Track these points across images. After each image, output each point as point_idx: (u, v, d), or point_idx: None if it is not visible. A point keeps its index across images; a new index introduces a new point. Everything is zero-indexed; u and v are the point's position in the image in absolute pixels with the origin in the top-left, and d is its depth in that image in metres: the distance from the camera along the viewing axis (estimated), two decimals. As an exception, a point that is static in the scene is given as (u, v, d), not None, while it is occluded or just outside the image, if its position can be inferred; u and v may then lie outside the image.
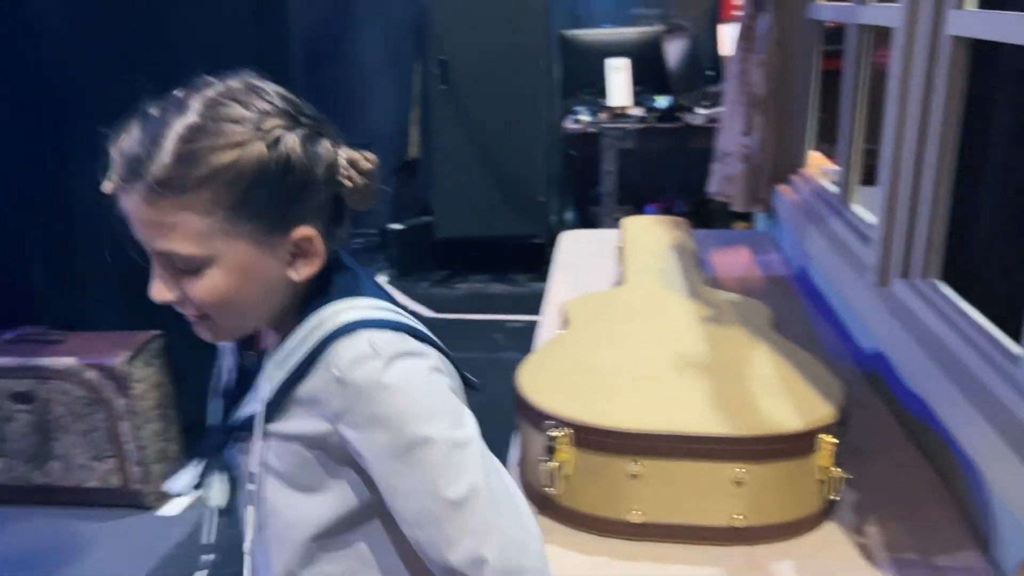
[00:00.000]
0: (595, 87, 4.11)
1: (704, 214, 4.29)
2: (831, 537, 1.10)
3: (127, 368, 2.32)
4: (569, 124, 3.96)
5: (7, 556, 2.26)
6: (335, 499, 0.82)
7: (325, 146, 0.78)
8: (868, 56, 1.86)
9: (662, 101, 3.97)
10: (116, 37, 2.29)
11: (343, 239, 0.84)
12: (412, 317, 0.83)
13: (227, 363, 0.90)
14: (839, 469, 1.07)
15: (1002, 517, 1.05)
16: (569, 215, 4.69)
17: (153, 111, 0.75)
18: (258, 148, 0.73)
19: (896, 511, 1.15)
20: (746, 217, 4.25)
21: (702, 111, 3.80)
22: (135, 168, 0.72)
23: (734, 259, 2.28)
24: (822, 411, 1.09)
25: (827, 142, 2.96)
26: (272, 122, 0.74)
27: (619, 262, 1.93)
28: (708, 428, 1.05)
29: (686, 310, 1.44)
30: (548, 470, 1.09)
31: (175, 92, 0.76)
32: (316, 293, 0.81)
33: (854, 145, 1.91)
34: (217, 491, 0.88)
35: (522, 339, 3.78)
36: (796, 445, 1.05)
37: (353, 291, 0.81)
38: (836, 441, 1.07)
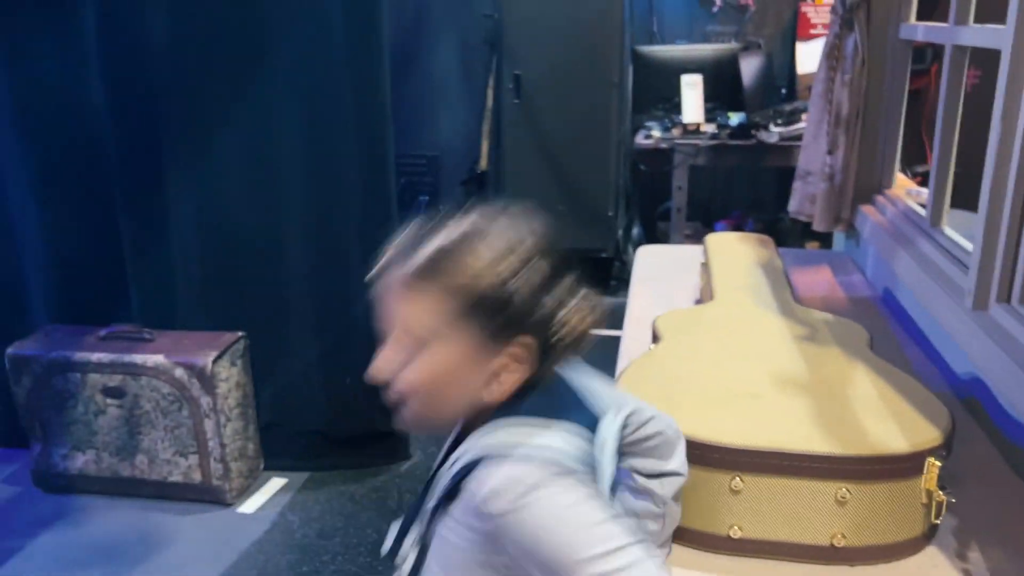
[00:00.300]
0: (668, 103, 4.12)
1: (776, 232, 4.25)
2: (932, 561, 1.09)
3: (213, 367, 2.40)
4: (640, 139, 3.96)
5: (95, 545, 2.35)
6: None
7: (554, 293, 0.87)
8: (964, 77, 1.83)
9: (735, 118, 3.95)
10: (214, 50, 2.38)
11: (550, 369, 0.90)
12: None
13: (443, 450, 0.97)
14: (943, 492, 1.06)
15: (1117, 550, 1.03)
16: (636, 230, 4.69)
17: (428, 221, 0.89)
18: (486, 282, 0.84)
19: (998, 538, 1.13)
20: (818, 237, 4.19)
21: (775, 129, 3.77)
22: (402, 256, 0.87)
23: (815, 279, 2.26)
24: (928, 433, 1.08)
25: (906, 163, 2.91)
26: (504, 265, 0.85)
27: (703, 278, 1.93)
28: (812, 446, 1.05)
29: (779, 328, 1.44)
30: (648, 482, 1.10)
31: (448, 211, 0.90)
32: (505, 408, 0.87)
33: (947, 166, 1.88)
34: (404, 560, 0.93)
35: (589, 353, 3.78)
36: (902, 466, 1.04)
37: (540, 414, 0.86)
38: (941, 464, 1.06)
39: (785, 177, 4.58)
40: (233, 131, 2.44)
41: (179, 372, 2.40)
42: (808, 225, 4.10)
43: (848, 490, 1.04)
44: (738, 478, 1.06)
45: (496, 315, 0.84)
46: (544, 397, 0.88)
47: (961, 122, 1.96)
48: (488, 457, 0.82)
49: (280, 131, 2.44)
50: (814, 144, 2.39)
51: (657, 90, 4.11)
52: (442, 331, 0.85)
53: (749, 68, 3.89)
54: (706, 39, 4.48)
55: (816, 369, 1.26)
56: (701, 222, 4.53)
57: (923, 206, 2.10)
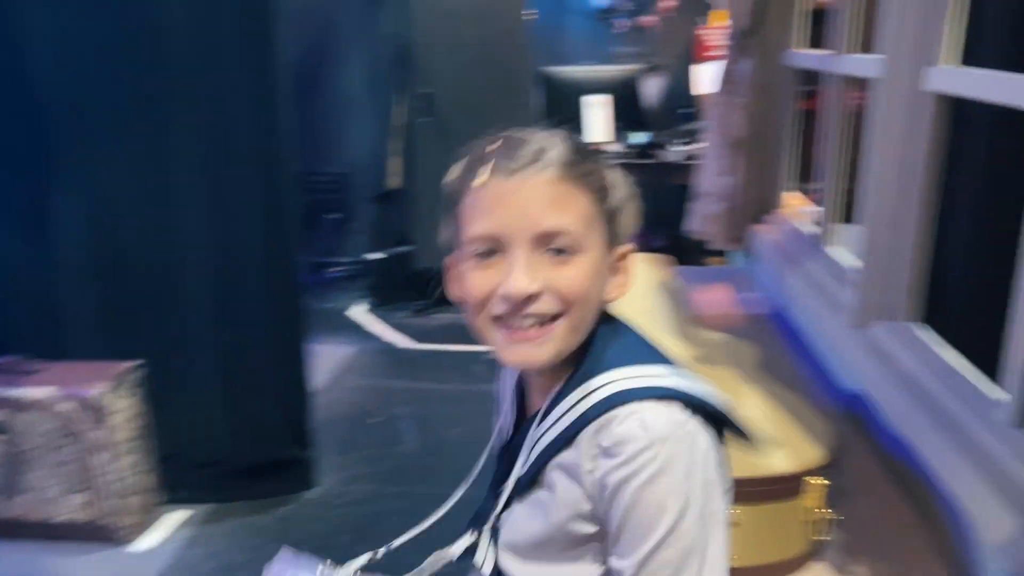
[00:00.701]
0: (574, 123, 4.18)
1: (679, 249, 4.36)
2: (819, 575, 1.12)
3: (104, 399, 2.29)
4: (548, 158, 4.01)
5: (-26, 592, 2.21)
6: (578, 570, 0.80)
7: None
8: (844, 103, 1.92)
9: (639, 137, 4.04)
10: (104, 66, 2.29)
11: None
12: (683, 373, 0.81)
13: (505, 422, 0.92)
14: (827, 510, 1.10)
15: (984, 555, 1.08)
16: (547, 247, 4.73)
17: (521, 132, 0.85)
18: (616, 188, 0.82)
19: (880, 550, 1.17)
20: (720, 252, 4.32)
21: (678, 148, 3.88)
22: (539, 156, 0.79)
23: (714, 296, 2.32)
24: (811, 453, 1.11)
25: (802, 180, 3.04)
26: (620, 174, 0.84)
27: (604, 299, 1.95)
28: (702, 470, 1.07)
29: (675, 350, 1.47)
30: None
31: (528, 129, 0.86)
32: (587, 349, 0.81)
33: (833, 188, 1.97)
34: (483, 556, 0.87)
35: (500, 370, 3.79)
36: (786, 487, 1.08)
37: (625, 356, 0.81)
38: (825, 483, 1.09)
39: (688, 195, 4.72)
40: (125, 150, 2.35)
41: (66, 405, 2.27)
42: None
43: (739, 512, 1.06)
44: (631, 504, 1.07)
45: (615, 221, 0.82)
46: (621, 338, 0.84)
47: (854, 140, 2.07)
48: (610, 403, 0.76)
49: (175, 151, 2.36)
50: (711, 165, 2.47)
51: (563, 110, 4.16)
52: (591, 233, 0.79)
53: (651, 89, 3.99)
54: (611, 60, 4.58)
55: (708, 391, 1.29)
56: (610, 239, 4.61)
57: (815, 224, 2.19)
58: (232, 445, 2.59)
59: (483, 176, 0.80)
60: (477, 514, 0.90)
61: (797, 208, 2.39)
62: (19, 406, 2.30)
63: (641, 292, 1.82)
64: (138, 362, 2.45)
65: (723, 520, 0.77)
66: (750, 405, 1.25)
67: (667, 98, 4.10)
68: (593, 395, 0.77)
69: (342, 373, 3.70)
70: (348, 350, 3.94)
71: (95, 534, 2.38)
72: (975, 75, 1.26)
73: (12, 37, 2.27)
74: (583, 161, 0.80)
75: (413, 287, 4.58)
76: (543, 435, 0.80)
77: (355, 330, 4.23)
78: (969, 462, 1.09)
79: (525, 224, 0.77)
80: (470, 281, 0.80)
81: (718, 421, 0.80)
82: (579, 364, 0.80)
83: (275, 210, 2.47)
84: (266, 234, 2.47)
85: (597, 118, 3.92)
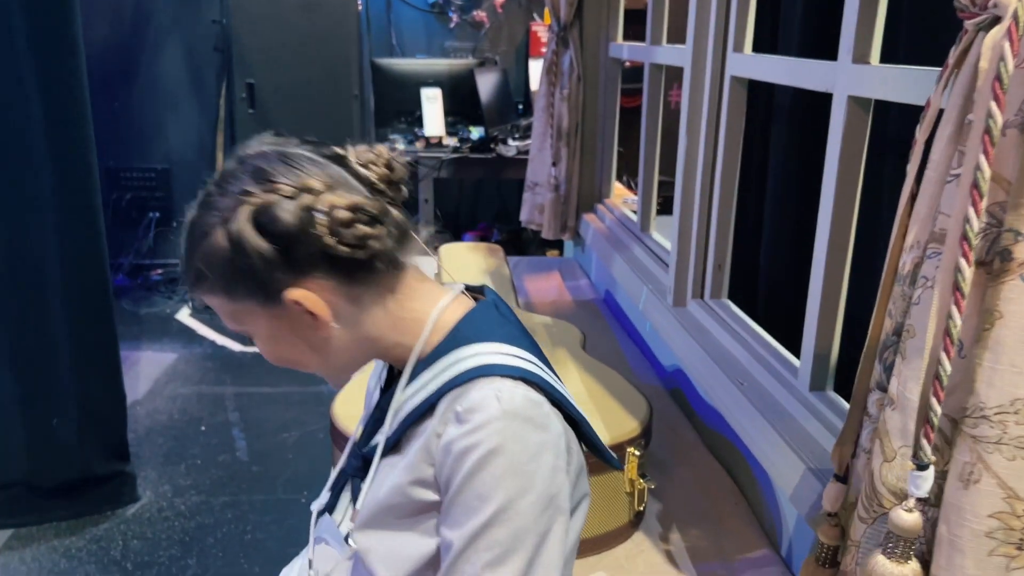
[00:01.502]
0: (410, 116, 4.14)
1: (519, 242, 4.42)
2: (639, 546, 1.15)
3: None
4: (384, 152, 3.94)
5: None
6: (425, 539, 0.78)
7: (286, 209, 0.75)
8: (662, 93, 1.99)
9: (475, 132, 4.06)
10: None
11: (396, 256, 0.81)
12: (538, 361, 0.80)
13: (373, 393, 0.92)
14: (644, 480, 1.12)
15: (788, 515, 1.15)
16: (386, 244, 4.66)
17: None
18: (218, 236, 0.76)
19: (698, 518, 1.22)
20: (559, 245, 4.42)
21: (513, 143, 3.93)
22: (184, 274, 0.81)
23: (545, 284, 2.36)
24: (628, 425, 1.14)
25: (627, 174, 3.15)
26: (225, 203, 0.76)
27: (434, 288, 1.93)
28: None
29: (500, 334, 1.47)
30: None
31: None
32: (453, 331, 0.80)
33: (651, 176, 2.04)
34: (341, 516, 0.86)
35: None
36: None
37: (497, 334, 0.79)
38: (640, 453, 1.12)
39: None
40: None
41: None
42: (549, 234, 4.28)
43: (558, 488, 1.07)
44: (453, 488, 1.05)
45: (243, 269, 0.76)
46: (483, 319, 0.82)
47: (671, 135, 2.16)
48: (463, 378, 0.76)
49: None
50: (539, 156, 2.50)
51: (398, 103, 4.11)
52: (237, 314, 0.80)
53: (487, 83, 4.00)
54: (444, 54, 4.57)
55: (531, 372, 1.30)
56: (451, 234, 4.60)
57: (636, 213, 2.27)
58: (33, 463, 2.36)
59: None
60: (341, 472, 0.89)
61: (623, 198, 2.47)
62: None
63: (473, 279, 1.81)
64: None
65: (566, 512, 0.75)
66: (571, 381, 1.26)
67: (502, 93, 4.14)
68: (459, 364, 0.77)
69: (166, 380, 3.48)
70: (173, 356, 3.71)
71: None
72: (770, 61, 1.33)
73: None
74: (196, 273, 0.79)
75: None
76: (408, 400, 0.80)
77: (181, 334, 3.98)
78: (774, 427, 1.14)
79: None
80: None
81: (574, 424, 0.80)
82: (450, 334, 0.80)
83: (76, 208, 2.27)
84: (64, 233, 2.26)
85: (433, 112, 3.90)
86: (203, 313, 4.20)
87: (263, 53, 3.85)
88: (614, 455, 0.85)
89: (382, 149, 0.85)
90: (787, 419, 1.13)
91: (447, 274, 1.84)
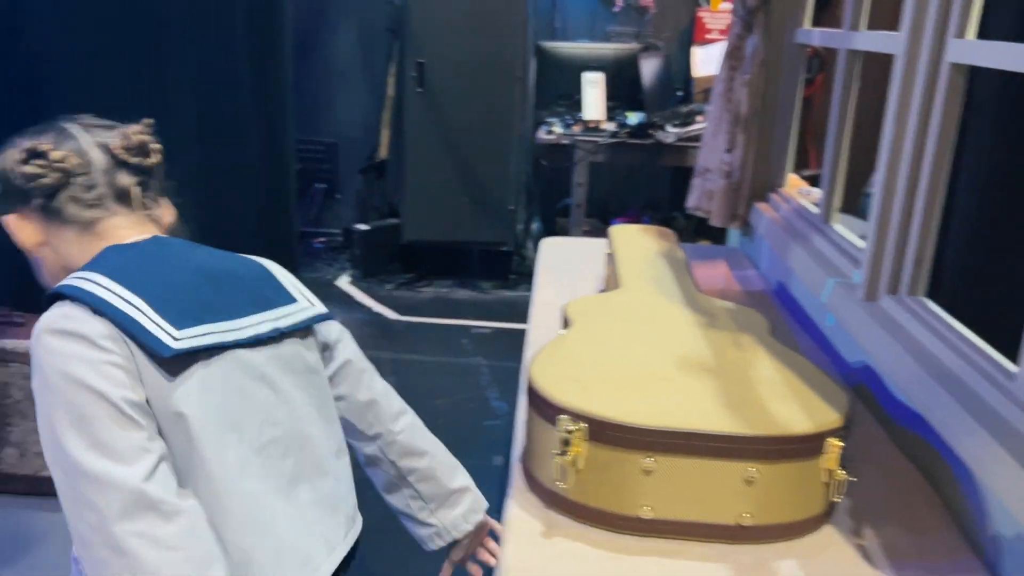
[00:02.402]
0: (569, 100, 4.16)
1: (672, 231, 4.37)
2: (831, 538, 1.13)
3: (92, 354, 2.25)
4: (542, 134, 3.99)
5: (-45, 545, 2.17)
6: None
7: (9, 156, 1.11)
8: (855, 80, 1.92)
9: (634, 117, 4.03)
10: (105, 32, 2.23)
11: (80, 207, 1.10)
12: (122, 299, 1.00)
13: None
14: (843, 471, 1.10)
15: (1002, 523, 1.10)
16: (536, 225, 4.72)
17: None
18: None
19: (891, 516, 1.18)
20: (709, 235, 4.34)
21: (673, 129, 3.88)
22: None
23: (712, 272, 2.33)
24: (829, 415, 1.11)
25: (793, 168, 3.05)
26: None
27: (608, 268, 1.95)
28: (722, 426, 1.07)
29: (683, 315, 1.47)
30: (561, 464, 1.10)
31: None
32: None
33: (837, 168, 1.97)
34: None
35: (487, 345, 3.79)
36: (806, 446, 1.08)
37: (92, 265, 1.04)
38: (842, 444, 1.10)
39: (680, 177, 4.72)
40: (124, 111, 2.29)
41: (54, 359, 2.23)
42: (701, 224, 4.22)
43: (755, 469, 1.07)
44: (650, 458, 1.07)
45: None
46: (100, 254, 1.07)
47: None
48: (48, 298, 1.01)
49: (175, 117, 2.31)
50: (713, 142, 2.46)
51: (559, 86, 4.15)
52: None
53: (649, 69, 3.97)
54: (607, 38, 4.56)
55: (721, 354, 1.29)
56: (599, 218, 4.61)
57: (815, 204, 2.19)
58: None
59: None
60: None
61: (797, 189, 2.39)
62: (4, 357, 2.25)
63: (645, 260, 1.82)
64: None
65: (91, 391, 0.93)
66: (764, 367, 1.25)
67: (663, 79, 4.10)
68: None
69: (329, 341, 3.67)
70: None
71: (80, 490, 2.34)
72: (996, 47, 1.26)
73: (11, 12, 2.20)
74: None
75: (399, 259, 4.56)
76: None
77: (341, 300, 4.19)
78: (988, 431, 1.09)
79: None
80: None
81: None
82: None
83: (273, 176, 2.44)
84: (264, 199, 2.43)
85: (594, 96, 3.91)
86: (361, 281, 4.41)
87: (434, 33, 3.97)
88: (158, 339, 1.00)
89: (133, 128, 1.16)
90: (1006, 427, 1.08)
91: (620, 254, 1.85)
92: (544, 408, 1.14)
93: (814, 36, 2.14)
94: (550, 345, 1.30)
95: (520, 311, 4.13)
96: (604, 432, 1.08)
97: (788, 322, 1.90)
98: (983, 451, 1.07)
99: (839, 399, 1.16)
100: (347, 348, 1.28)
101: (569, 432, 1.09)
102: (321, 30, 4.68)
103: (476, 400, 3.14)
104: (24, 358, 2.22)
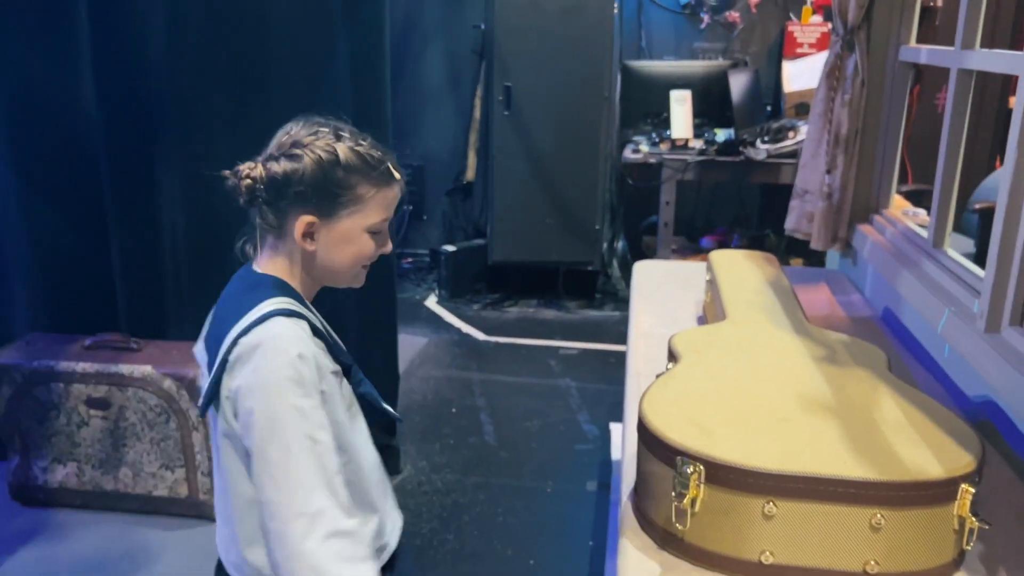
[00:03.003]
0: (656, 118, 4.14)
1: (760, 249, 4.28)
2: (963, 588, 1.08)
3: (201, 379, 2.34)
4: (628, 153, 3.97)
5: (77, 561, 2.28)
6: None
7: None
8: (968, 100, 1.85)
9: (722, 134, 3.98)
10: (212, 57, 2.33)
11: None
12: None
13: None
14: (975, 518, 1.06)
15: None
16: (621, 244, 4.70)
17: None
18: None
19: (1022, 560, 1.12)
20: (801, 254, 4.23)
21: (763, 146, 3.81)
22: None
23: (815, 297, 2.27)
24: (961, 459, 1.07)
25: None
26: None
27: (708, 295, 1.92)
28: (847, 471, 1.04)
29: (797, 348, 1.43)
30: (678, 507, 1.08)
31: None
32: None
33: (950, 188, 1.90)
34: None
35: (575, 366, 3.79)
36: (937, 492, 1.04)
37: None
38: (974, 490, 1.05)
39: (768, 194, 4.63)
40: (228, 139, 2.39)
41: (167, 383, 2.33)
42: (792, 243, 4.12)
43: (883, 516, 1.03)
44: (771, 503, 1.05)
45: None
46: None
47: (934, 143, 2.03)
48: None
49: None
50: (812, 163, 2.41)
51: (646, 105, 4.13)
52: None
53: (738, 85, 3.91)
54: (693, 55, 4.51)
55: (840, 391, 1.26)
56: (686, 236, 4.55)
57: (922, 227, 2.12)
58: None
59: (396, 181, 1.20)
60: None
61: (902, 210, 2.32)
62: (121, 382, 2.37)
63: (750, 288, 1.78)
64: (235, 343, 2.48)
65: None
66: (887, 406, 1.21)
67: (752, 95, 4.03)
68: None
69: (420, 362, 3.73)
70: (424, 340, 3.97)
71: (192, 509, 2.44)
72: None
73: (120, 21, 2.32)
74: None
75: (485, 280, 4.60)
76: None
77: (430, 320, 4.25)
78: None
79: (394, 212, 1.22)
80: (365, 245, 1.19)
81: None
82: None
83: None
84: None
85: (681, 114, 3.87)
86: (448, 302, 4.47)
87: (521, 57, 4.01)
88: None
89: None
90: None
91: (724, 282, 1.82)
92: (658, 448, 1.13)
93: (921, 54, 2.07)
94: (660, 381, 1.29)
95: (607, 331, 4.11)
96: (723, 475, 1.07)
97: (900, 352, 1.84)
98: None
99: (970, 441, 1.12)
100: None
101: (686, 475, 1.08)
102: (409, 54, 4.78)
103: (566, 423, 3.14)
104: (140, 383, 2.33)
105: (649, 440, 1.15)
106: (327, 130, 1.17)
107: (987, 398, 1.50)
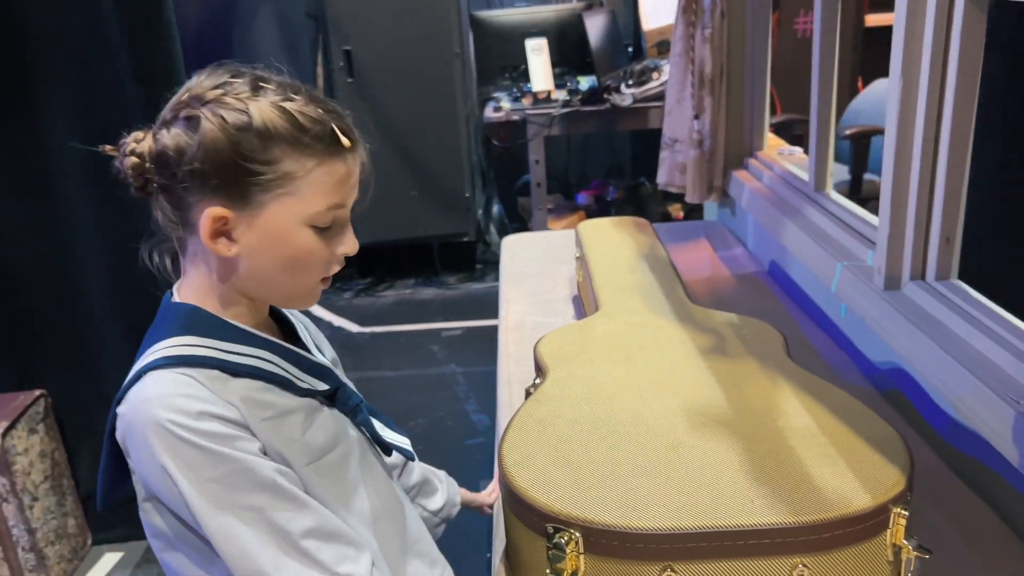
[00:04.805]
0: (514, 71, 3.87)
1: (638, 198, 4.12)
2: (904, 624, 0.89)
3: (4, 440, 1.96)
4: (489, 112, 3.70)
5: None
6: None
7: None
8: (837, 19, 1.66)
9: (585, 82, 3.75)
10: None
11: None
12: None
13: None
14: (911, 545, 0.86)
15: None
16: (496, 208, 4.44)
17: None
18: None
19: (968, 568, 0.95)
20: (679, 199, 4.08)
21: (628, 91, 3.60)
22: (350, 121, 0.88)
23: (695, 256, 2.08)
24: (889, 476, 0.87)
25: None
26: None
27: (580, 274, 1.69)
28: (758, 517, 0.82)
29: (681, 341, 1.21)
30: (554, 585, 0.85)
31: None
32: None
33: (827, 124, 1.72)
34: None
35: (459, 349, 3.53)
36: (867, 526, 0.84)
37: None
38: (907, 512, 0.85)
39: (640, 140, 4.45)
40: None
41: (-40, 452, 1.94)
42: (671, 189, 3.94)
43: (804, 565, 0.82)
44: (669, 570, 0.82)
45: None
46: None
47: (799, 70, 1.87)
48: None
49: (56, 144, 1.99)
50: (678, 108, 2.20)
51: (502, 58, 3.85)
52: None
53: (595, 28, 3.67)
54: (545, 0, 4.25)
55: (737, 396, 1.04)
56: (561, 194, 4.34)
57: (800, 167, 1.95)
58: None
59: (345, 151, 0.85)
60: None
61: (777, 150, 2.14)
62: None
63: (624, 266, 1.56)
64: (40, 391, 2.11)
65: None
66: (794, 411, 1.00)
67: (611, 37, 3.80)
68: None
69: (286, 368, 3.39)
70: (290, 341, 3.62)
71: (13, 598, 2.07)
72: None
73: None
74: None
75: (354, 265, 4.25)
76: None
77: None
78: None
79: (348, 199, 0.88)
80: (306, 245, 0.85)
81: None
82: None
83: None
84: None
85: (539, 64, 3.61)
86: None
87: (359, 17, 3.63)
88: None
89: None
90: None
91: (594, 262, 1.58)
92: (524, 512, 0.88)
93: (781, -23, 1.87)
94: (523, 412, 1.04)
95: (490, 305, 3.85)
96: (605, 542, 0.83)
97: (793, 312, 1.66)
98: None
99: (895, 447, 0.92)
100: None
101: (561, 545, 0.84)
102: (235, 23, 4.30)
103: (454, 416, 2.89)
104: None
105: (514, 501, 0.91)
106: (242, 80, 0.83)
107: (894, 365, 1.33)
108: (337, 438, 0.93)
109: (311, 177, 0.82)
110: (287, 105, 0.82)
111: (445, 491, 1.21)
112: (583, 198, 4.13)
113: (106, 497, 0.90)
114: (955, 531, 1.02)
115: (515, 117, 3.59)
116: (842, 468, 0.89)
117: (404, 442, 1.04)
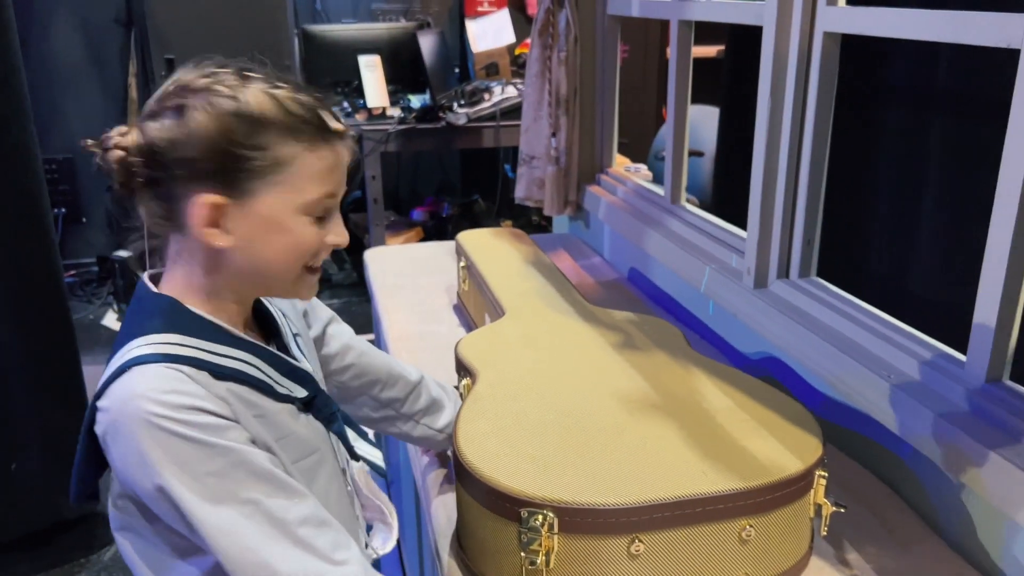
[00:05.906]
0: (347, 86, 3.84)
1: (472, 215, 4.22)
2: (820, 572, 1.02)
3: None
4: (322, 128, 3.63)
5: None
6: None
7: None
8: (691, 50, 1.83)
9: (417, 100, 3.80)
10: None
11: None
12: None
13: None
14: (829, 501, 0.99)
15: (980, 523, 1.04)
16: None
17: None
18: None
19: (866, 532, 1.10)
20: (513, 216, 4.23)
21: (462, 110, 3.69)
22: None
23: (560, 265, 2.18)
24: (810, 444, 1.00)
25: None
26: None
27: (468, 284, 1.73)
28: (713, 485, 0.91)
29: (593, 338, 1.29)
30: (530, 567, 0.88)
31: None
32: None
33: (682, 143, 1.89)
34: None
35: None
36: (799, 487, 0.95)
37: None
38: (827, 474, 0.98)
39: (469, 159, 4.57)
40: None
41: None
42: (504, 206, 4.09)
43: (751, 525, 0.92)
44: (637, 541, 0.89)
45: None
46: None
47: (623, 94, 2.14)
48: None
49: None
50: (535, 126, 2.31)
51: (334, 73, 3.81)
52: None
53: (426, 47, 3.74)
54: (373, 18, 4.26)
55: (658, 383, 1.13)
56: (395, 211, 4.34)
57: (648, 182, 2.12)
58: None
59: (335, 137, 0.85)
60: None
61: (624, 166, 2.31)
62: None
63: (519, 272, 1.62)
64: None
65: None
66: (712, 394, 1.11)
67: (442, 58, 3.88)
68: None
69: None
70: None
71: None
72: (870, 13, 1.20)
73: None
74: None
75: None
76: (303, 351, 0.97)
77: (111, 342, 3.60)
78: (938, 414, 1.03)
79: (340, 186, 0.87)
80: (302, 234, 0.84)
81: None
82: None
83: (24, 215, 1.98)
84: (14, 240, 1.96)
85: (373, 80, 3.61)
86: (133, 316, 3.82)
87: (182, 24, 3.46)
88: None
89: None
90: (952, 408, 1.03)
91: (485, 270, 1.64)
92: (495, 501, 0.91)
93: (633, 6, 2.03)
94: (466, 410, 1.07)
95: (350, 322, 3.78)
96: (580, 520, 0.88)
97: (659, 314, 1.80)
98: (917, 426, 1.01)
99: (807, 419, 1.05)
100: None
101: (536, 527, 0.88)
102: (33, 27, 3.94)
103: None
104: None
105: (481, 492, 0.93)
106: (229, 71, 0.82)
107: (764, 353, 1.49)
108: (314, 445, 0.91)
109: (302, 163, 0.82)
110: (276, 92, 0.82)
111: (453, 410, 1.19)
112: (418, 214, 4.16)
113: (80, 492, 0.85)
114: (844, 491, 1.17)
115: (350, 133, 3.56)
116: (769, 439, 1.00)
117: (376, 456, 1.03)
